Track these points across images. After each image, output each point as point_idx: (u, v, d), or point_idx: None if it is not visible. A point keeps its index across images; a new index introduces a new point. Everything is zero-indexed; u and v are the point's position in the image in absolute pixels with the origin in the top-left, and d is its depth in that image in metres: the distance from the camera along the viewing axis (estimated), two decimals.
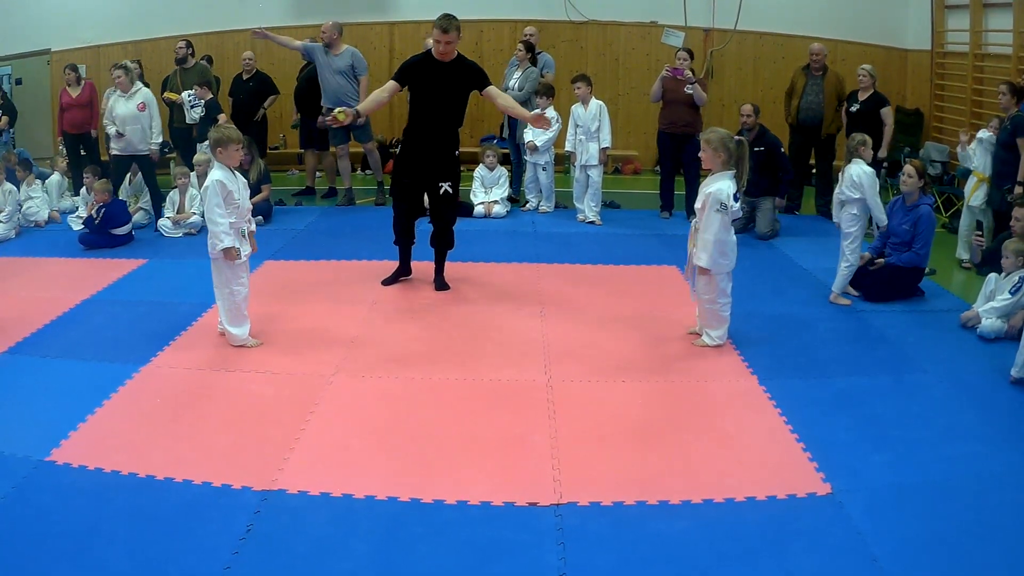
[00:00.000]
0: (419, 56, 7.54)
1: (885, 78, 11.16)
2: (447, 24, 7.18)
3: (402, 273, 8.00)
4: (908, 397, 5.66)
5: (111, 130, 9.91)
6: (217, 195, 6.09)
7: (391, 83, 7.43)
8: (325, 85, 10.80)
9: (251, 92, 11.79)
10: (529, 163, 10.86)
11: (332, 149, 11.68)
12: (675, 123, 10.25)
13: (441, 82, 7.35)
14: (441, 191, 7.58)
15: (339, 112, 7.19)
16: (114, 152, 10.16)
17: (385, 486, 4.48)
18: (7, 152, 10.84)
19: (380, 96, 7.44)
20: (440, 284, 7.82)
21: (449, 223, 7.79)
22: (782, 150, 9.90)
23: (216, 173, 6.18)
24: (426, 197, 7.72)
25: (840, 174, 7.44)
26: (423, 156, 7.52)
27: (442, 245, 7.86)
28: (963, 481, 4.60)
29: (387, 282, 7.88)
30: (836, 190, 7.51)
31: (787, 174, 9.96)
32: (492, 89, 7.50)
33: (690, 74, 9.97)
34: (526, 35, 11.48)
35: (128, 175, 10.56)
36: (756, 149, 9.63)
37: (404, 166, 7.66)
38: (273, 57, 13.21)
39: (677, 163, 10.60)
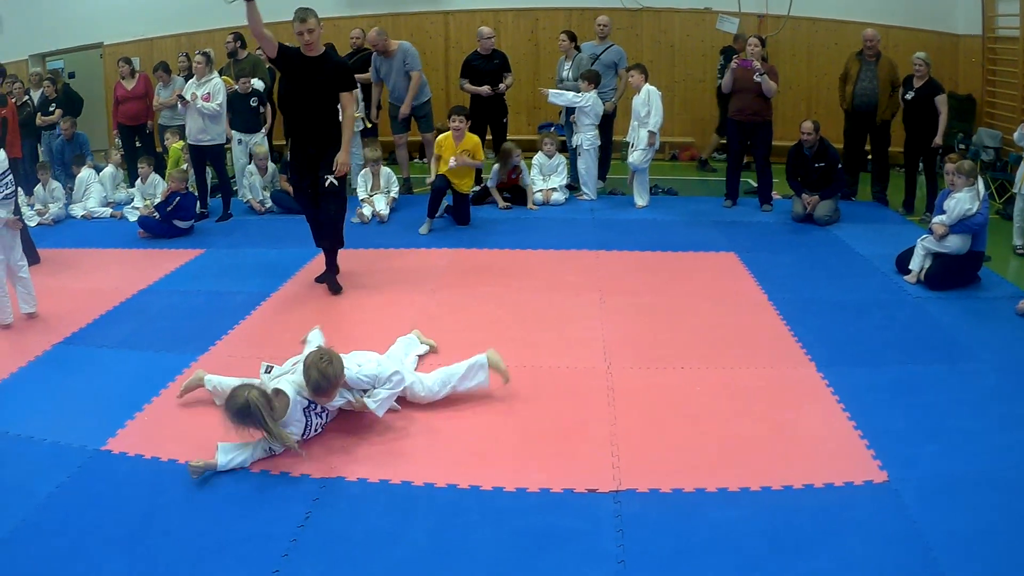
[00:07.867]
0: (293, 48, 7.13)
1: (937, 64, 10.93)
2: (305, 14, 6.91)
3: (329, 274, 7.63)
4: (963, 385, 5.60)
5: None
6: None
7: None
8: (393, 88, 11.05)
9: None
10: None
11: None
12: (744, 111, 10.17)
13: (309, 78, 7.05)
14: (326, 183, 7.10)
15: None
16: (189, 143, 10.24)
17: (444, 473, 4.51)
18: (77, 155, 11.16)
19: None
20: (333, 286, 7.48)
21: (335, 219, 7.36)
22: (840, 166, 9.81)
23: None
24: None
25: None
26: (305, 151, 7.25)
27: (331, 242, 7.52)
28: (1018, 471, 4.55)
29: (320, 279, 7.65)
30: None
31: (841, 187, 9.93)
32: (347, 96, 7.21)
33: (758, 65, 9.87)
34: (599, 24, 11.32)
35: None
36: (817, 165, 9.61)
37: (292, 164, 7.48)
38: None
39: (745, 151, 10.56)
